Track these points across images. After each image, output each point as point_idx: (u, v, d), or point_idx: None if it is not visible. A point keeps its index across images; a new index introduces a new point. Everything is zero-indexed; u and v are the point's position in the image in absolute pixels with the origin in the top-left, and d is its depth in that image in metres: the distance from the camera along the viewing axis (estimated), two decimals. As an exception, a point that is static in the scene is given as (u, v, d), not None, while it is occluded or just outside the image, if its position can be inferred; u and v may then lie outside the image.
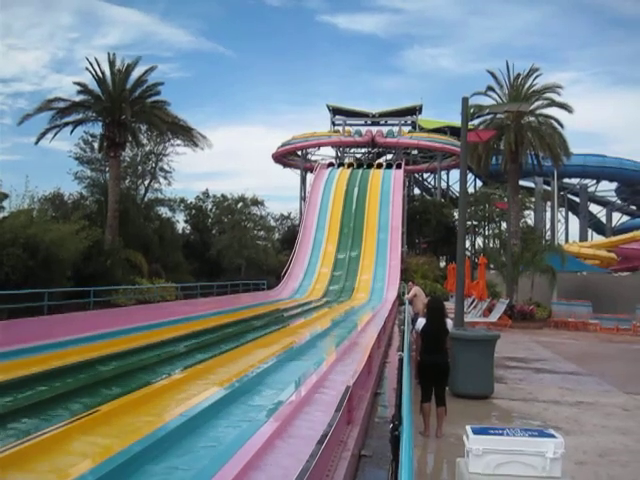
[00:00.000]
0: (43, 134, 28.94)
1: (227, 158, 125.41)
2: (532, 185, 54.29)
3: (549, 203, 56.74)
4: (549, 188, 55.37)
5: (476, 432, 4.28)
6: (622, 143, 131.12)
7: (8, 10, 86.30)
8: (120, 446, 4.95)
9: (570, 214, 65.09)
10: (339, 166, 49.81)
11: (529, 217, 53.12)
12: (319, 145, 59.84)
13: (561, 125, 32.84)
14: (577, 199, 62.95)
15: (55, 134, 29.23)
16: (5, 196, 24.08)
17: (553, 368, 15.34)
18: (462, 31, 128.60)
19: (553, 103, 32.72)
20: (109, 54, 30.06)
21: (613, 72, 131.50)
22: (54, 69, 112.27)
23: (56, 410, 6.60)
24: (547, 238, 51.00)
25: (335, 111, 61.31)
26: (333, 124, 61.40)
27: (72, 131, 30.10)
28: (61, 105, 28.94)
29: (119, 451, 4.77)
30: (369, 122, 61.52)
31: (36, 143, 29.45)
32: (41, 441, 5.05)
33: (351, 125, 61.04)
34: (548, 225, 57.38)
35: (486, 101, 33.35)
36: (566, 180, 60.80)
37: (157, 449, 5.00)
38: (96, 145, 34.42)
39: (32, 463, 4.72)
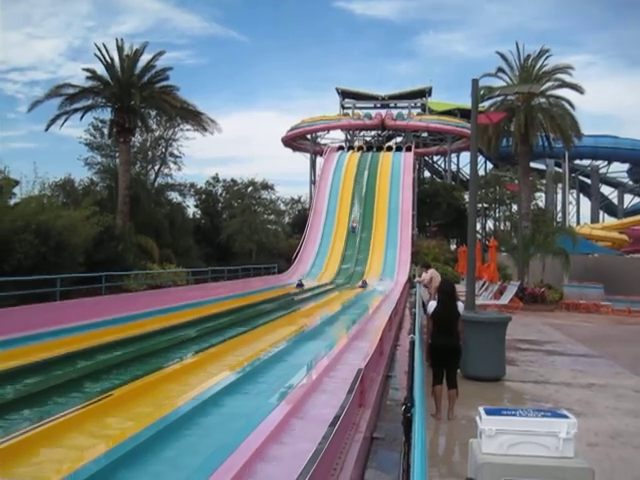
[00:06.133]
0: (53, 120, 28.98)
1: (239, 143, 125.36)
2: (543, 167, 53.98)
3: (560, 185, 56.37)
4: (560, 170, 54.98)
5: (489, 413, 4.27)
6: (637, 125, 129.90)
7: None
8: (133, 430, 4.99)
9: (581, 196, 64.80)
10: (349, 149, 49.55)
11: (540, 199, 52.82)
12: (328, 128, 59.55)
13: (572, 106, 32.48)
14: (588, 181, 62.58)
15: (65, 120, 29.30)
16: (16, 183, 24.11)
17: (565, 350, 15.29)
18: (476, 16, 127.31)
19: (564, 84, 32.33)
20: (117, 40, 30.01)
21: (628, 55, 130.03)
22: (70, 57, 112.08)
23: (69, 395, 6.65)
24: (558, 220, 50.71)
25: (344, 94, 60.91)
26: (342, 107, 61.06)
27: (82, 117, 30.18)
28: (70, 91, 28.94)
29: (132, 435, 4.81)
30: (379, 105, 61.13)
31: (46, 130, 29.56)
32: (55, 425, 5.09)
33: (360, 108, 60.67)
34: (559, 207, 57.11)
35: (497, 83, 33.00)
36: (577, 162, 60.41)
37: (170, 433, 5.03)
38: (106, 131, 34.46)
39: (46, 447, 4.76)
